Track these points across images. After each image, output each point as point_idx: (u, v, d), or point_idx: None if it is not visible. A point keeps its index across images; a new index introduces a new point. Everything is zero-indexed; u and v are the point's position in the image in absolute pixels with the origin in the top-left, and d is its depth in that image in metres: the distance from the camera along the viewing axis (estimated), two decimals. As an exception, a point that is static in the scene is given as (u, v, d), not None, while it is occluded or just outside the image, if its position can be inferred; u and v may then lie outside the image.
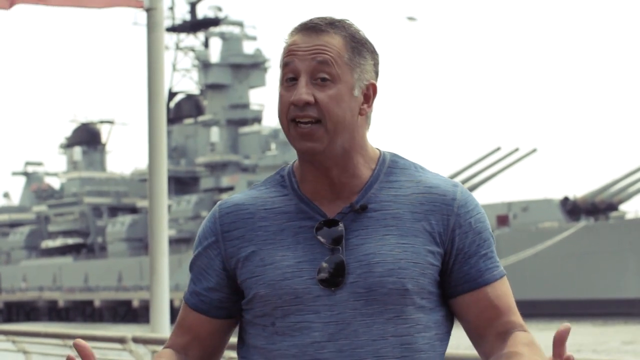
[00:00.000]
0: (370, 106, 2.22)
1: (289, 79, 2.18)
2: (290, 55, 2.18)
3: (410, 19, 67.56)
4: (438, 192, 2.21)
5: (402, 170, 2.25)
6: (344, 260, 2.14)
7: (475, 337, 2.22)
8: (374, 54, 2.22)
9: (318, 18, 2.21)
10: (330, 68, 2.16)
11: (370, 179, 2.22)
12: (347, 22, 2.21)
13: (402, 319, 2.15)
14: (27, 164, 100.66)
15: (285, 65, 2.19)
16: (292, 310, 2.15)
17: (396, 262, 2.14)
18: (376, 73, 2.23)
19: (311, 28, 2.19)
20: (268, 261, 2.18)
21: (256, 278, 2.18)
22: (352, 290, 2.14)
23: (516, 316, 2.23)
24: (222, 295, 2.25)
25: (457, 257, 2.20)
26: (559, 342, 2.02)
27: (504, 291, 2.23)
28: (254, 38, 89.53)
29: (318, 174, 2.20)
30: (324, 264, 2.15)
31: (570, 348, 2.05)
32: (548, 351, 2.06)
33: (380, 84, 2.23)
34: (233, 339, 2.32)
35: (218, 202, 2.30)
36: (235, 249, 2.22)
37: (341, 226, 2.17)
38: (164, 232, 7.10)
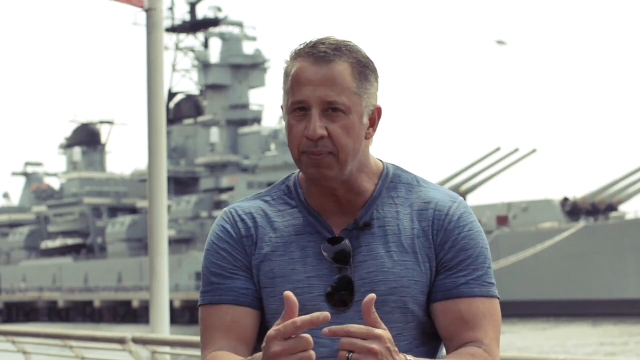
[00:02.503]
0: (375, 129, 2.20)
1: (298, 109, 2.13)
2: (299, 85, 2.13)
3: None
4: (434, 207, 2.21)
5: (404, 185, 2.24)
6: (353, 279, 2.15)
7: (446, 348, 2.20)
8: (376, 73, 2.19)
9: (323, 44, 2.14)
10: (341, 99, 2.11)
11: (373, 195, 2.21)
12: (351, 44, 2.17)
13: (403, 336, 2.16)
14: (27, 164, 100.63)
15: (293, 94, 2.13)
16: None
17: (398, 280, 2.14)
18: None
19: (320, 58, 2.13)
20: (278, 273, 2.18)
21: (267, 290, 2.18)
22: (357, 309, 2.13)
23: (484, 336, 2.14)
24: (255, 289, 2.21)
25: (438, 269, 2.18)
26: (366, 311, 1.94)
27: (482, 310, 2.16)
28: (253, 38, 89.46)
29: (324, 191, 2.20)
30: (330, 284, 2.14)
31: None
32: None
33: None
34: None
35: (228, 207, 2.26)
36: (251, 254, 2.21)
37: (347, 243, 2.17)
38: (163, 233, 7.11)
